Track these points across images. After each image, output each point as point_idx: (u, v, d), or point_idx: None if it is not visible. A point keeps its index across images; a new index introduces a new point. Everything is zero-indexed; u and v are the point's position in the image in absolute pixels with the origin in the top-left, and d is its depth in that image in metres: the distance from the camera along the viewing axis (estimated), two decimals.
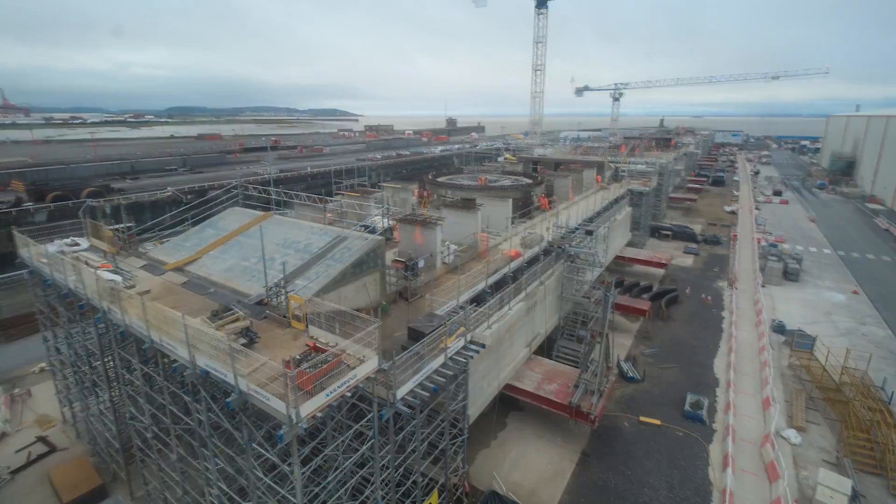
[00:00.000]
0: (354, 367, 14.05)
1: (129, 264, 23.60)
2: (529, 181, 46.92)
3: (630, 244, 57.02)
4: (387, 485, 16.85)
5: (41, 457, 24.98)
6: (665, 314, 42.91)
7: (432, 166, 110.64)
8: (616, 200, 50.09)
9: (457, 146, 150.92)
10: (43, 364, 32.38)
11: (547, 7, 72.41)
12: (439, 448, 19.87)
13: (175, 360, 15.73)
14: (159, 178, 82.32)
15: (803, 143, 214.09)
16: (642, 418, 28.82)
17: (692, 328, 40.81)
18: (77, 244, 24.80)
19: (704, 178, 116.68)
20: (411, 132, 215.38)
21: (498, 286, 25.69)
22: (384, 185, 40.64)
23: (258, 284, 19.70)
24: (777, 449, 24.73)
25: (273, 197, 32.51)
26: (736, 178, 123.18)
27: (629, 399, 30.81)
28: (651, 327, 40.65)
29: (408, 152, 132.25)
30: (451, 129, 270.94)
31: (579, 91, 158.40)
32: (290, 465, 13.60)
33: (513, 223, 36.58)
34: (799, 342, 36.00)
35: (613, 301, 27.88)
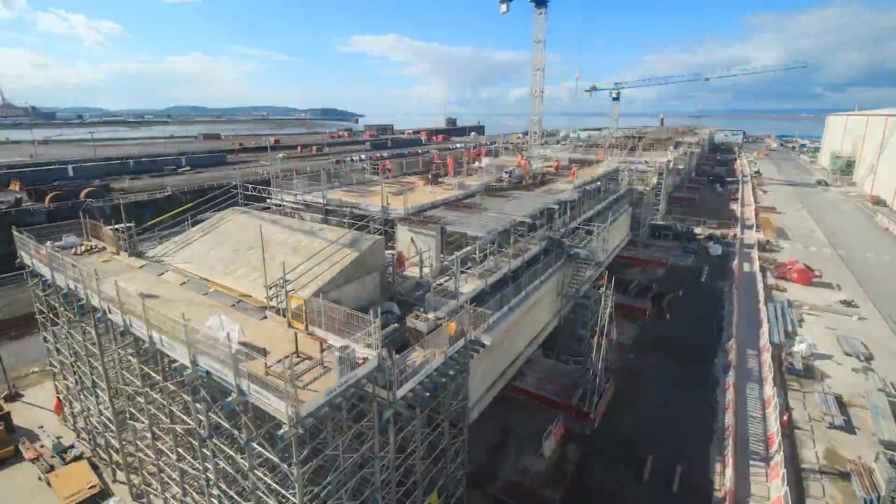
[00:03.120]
0: (355, 367, 14.04)
1: (129, 264, 23.59)
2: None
3: (630, 244, 56.99)
4: (387, 485, 16.84)
5: None
6: (665, 314, 42.87)
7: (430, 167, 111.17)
8: (616, 200, 50.00)
9: (456, 146, 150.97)
10: (35, 369, 32.40)
11: (546, 6, 72.48)
12: (439, 448, 19.86)
13: (175, 360, 15.72)
14: (159, 178, 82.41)
15: (803, 142, 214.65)
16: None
17: (692, 328, 40.81)
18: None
19: (705, 178, 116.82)
20: (411, 132, 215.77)
21: (498, 286, 25.64)
22: (383, 184, 40.28)
23: (258, 284, 19.68)
24: (779, 450, 24.74)
25: (273, 198, 32.44)
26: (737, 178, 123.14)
27: (629, 398, 30.80)
28: (651, 326, 40.66)
29: (407, 151, 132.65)
30: (451, 128, 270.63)
31: (589, 91, 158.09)
32: (290, 465, 13.59)
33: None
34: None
35: (613, 301, 27.89)
